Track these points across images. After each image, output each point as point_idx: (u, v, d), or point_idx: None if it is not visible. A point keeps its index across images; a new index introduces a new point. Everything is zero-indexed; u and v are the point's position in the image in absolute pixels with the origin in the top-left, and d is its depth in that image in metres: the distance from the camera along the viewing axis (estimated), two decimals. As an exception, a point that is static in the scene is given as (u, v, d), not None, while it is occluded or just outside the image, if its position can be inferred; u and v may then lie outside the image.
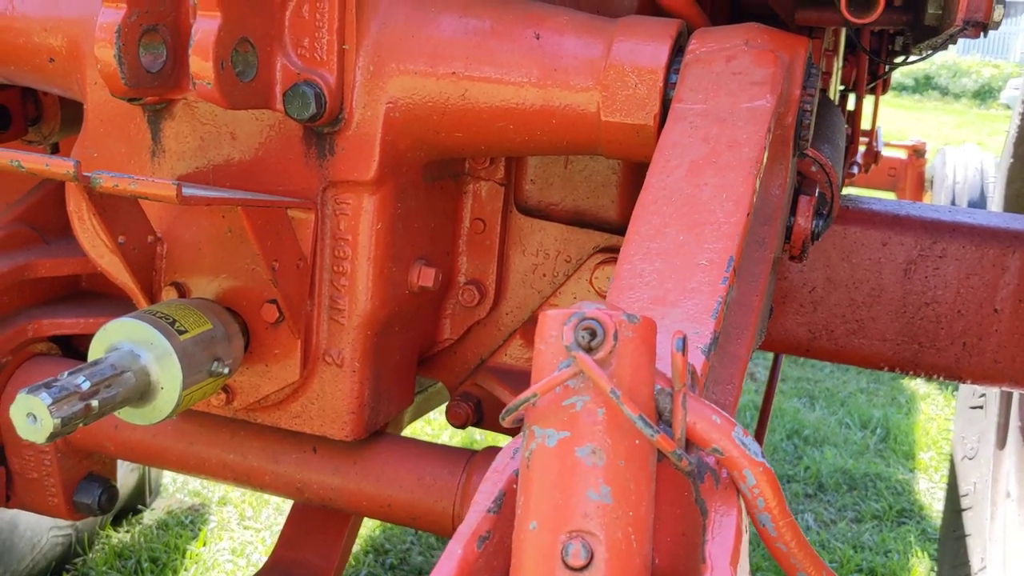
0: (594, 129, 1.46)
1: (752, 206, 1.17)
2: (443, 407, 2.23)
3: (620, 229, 1.76)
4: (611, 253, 1.76)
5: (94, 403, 1.32)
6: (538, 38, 1.46)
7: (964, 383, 2.17)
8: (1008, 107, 19.99)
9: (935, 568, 4.25)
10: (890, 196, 8.69)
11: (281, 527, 2.09)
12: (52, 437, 1.28)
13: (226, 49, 1.36)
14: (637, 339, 0.76)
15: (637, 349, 0.76)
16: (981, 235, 2.07)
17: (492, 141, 1.52)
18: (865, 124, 5.18)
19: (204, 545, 3.96)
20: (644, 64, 1.42)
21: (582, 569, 0.72)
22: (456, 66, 1.48)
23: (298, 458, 1.80)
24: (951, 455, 4.00)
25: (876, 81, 4.62)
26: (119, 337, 1.44)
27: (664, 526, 0.79)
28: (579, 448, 0.74)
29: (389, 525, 4.10)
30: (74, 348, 2.07)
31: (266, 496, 4.18)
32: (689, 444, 0.79)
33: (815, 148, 1.66)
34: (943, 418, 6.02)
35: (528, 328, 1.85)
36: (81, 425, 1.33)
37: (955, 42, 1.89)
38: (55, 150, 2.16)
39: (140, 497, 4.06)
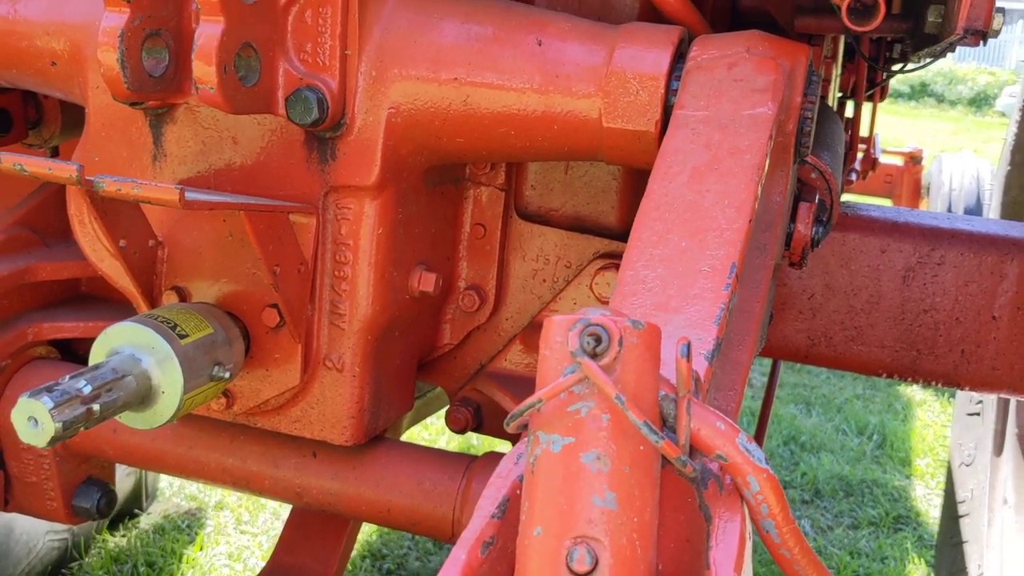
0: (596, 135, 1.46)
1: (754, 213, 1.17)
2: (441, 412, 2.23)
3: (620, 235, 1.76)
4: (611, 259, 1.76)
5: (95, 407, 1.32)
6: (540, 44, 1.47)
7: (962, 390, 2.17)
8: (1004, 114, 20.03)
9: (932, 574, 4.26)
10: (886, 203, 8.72)
11: (278, 532, 2.09)
12: (53, 441, 1.28)
13: (229, 54, 1.36)
14: (642, 345, 0.76)
15: (642, 355, 0.76)
16: (979, 242, 2.07)
17: (493, 147, 1.53)
18: (863, 131, 5.19)
19: (201, 550, 3.95)
20: (646, 71, 1.42)
21: (587, 575, 0.72)
22: (458, 72, 1.48)
23: (298, 463, 1.80)
24: (948, 461, 4.00)
25: (874, 88, 4.63)
26: (120, 341, 1.44)
27: (668, 532, 0.80)
28: (584, 454, 0.74)
29: (386, 530, 4.10)
30: (73, 352, 2.07)
31: (263, 501, 4.18)
32: (693, 450, 0.80)
33: (815, 155, 1.67)
34: (939, 424, 6.03)
35: (528, 333, 1.85)
36: (82, 429, 1.33)
37: (954, 50, 1.89)
38: (55, 153, 2.16)
39: (137, 501, 4.06)
